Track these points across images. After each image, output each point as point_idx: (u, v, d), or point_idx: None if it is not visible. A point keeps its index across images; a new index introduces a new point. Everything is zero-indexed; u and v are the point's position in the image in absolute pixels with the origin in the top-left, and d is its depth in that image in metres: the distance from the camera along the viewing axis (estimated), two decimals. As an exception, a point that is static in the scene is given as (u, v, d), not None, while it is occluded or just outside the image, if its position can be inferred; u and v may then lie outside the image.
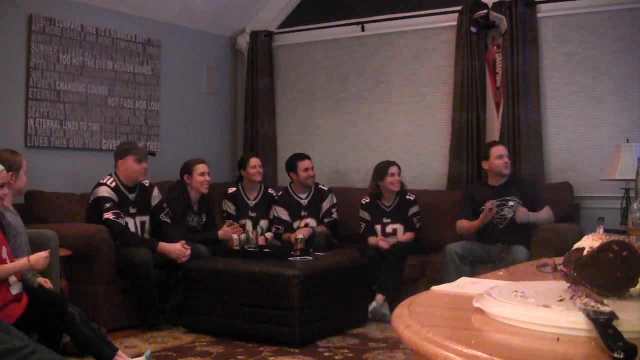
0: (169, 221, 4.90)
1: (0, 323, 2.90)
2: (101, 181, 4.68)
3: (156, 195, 4.92)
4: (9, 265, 3.18)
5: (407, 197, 5.32)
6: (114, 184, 4.68)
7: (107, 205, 4.57)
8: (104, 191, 4.61)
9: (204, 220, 5.27)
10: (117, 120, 5.72)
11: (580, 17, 5.32)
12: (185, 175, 5.20)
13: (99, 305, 4.39)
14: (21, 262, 3.22)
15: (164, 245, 4.61)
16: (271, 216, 5.61)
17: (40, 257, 3.24)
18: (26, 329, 3.13)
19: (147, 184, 4.90)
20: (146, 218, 4.85)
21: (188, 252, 4.60)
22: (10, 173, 3.56)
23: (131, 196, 4.77)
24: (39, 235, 3.87)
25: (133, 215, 4.76)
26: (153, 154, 5.06)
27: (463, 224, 4.97)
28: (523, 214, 4.74)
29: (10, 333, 2.87)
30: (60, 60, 5.25)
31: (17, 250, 3.40)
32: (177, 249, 4.59)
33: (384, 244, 5.06)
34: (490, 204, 4.75)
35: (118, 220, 4.56)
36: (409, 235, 5.26)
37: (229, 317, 4.27)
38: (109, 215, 4.55)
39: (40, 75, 5.12)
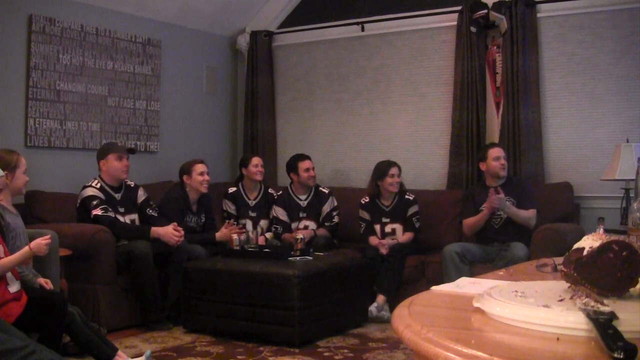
0: (155, 215, 4.92)
1: (1, 323, 2.90)
2: (86, 184, 4.72)
3: (142, 194, 4.97)
4: (12, 257, 3.19)
5: (407, 197, 5.32)
6: (99, 185, 4.72)
7: (94, 202, 4.60)
8: (89, 191, 4.66)
9: (202, 220, 5.27)
10: (117, 120, 5.72)
11: (580, 17, 5.32)
12: (184, 176, 5.20)
13: (99, 305, 4.38)
14: (22, 251, 3.22)
15: (156, 230, 4.63)
16: (271, 216, 5.62)
17: (41, 244, 3.24)
18: (26, 328, 3.13)
19: (132, 185, 4.94)
20: (135, 216, 4.88)
21: (180, 234, 4.60)
22: (6, 172, 3.54)
23: (117, 195, 4.81)
24: (39, 235, 3.84)
25: (122, 215, 4.77)
26: (133, 151, 5.04)
27: (469, 220, 4.94)
28: (498, 199, 4.69)
29: (10, 333, 2.87)
30: (60, 60, 5.25)
31: (16, 252, 3.39)
32: (169, 231, 4.59)
33: (383, 250, 5.06)
34: (496, 195, 4.73)
35: (107, 214, 4.59)
36: (408, 235, 5.26)
37: (229, 317, 4.27)
38: (97, 211, 4.57)
39: (40, 75, 5.12)
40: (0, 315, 3.04)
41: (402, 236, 5.26)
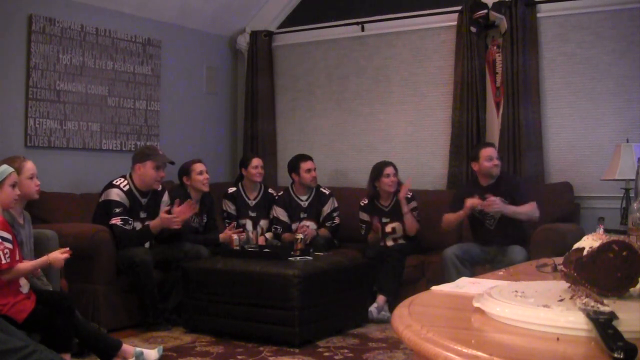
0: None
1: (0, 323, 2.91)
2: (114, 182, 4.62)
3: (165, 201, 4.85)
4: (29, 263, 3.25)
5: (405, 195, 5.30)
6: (127, 187, 4.62)
7: (117, 210, 4.51)
8: (115, 194, 4.55)
9: (205, 221, 5.26)
10: (117, 120, 5.72)
11: (580, 17, 5.32)
12: (184, 177, 5.19)
13: (99, 305, 4.38)
14: (41, 260, 3.28)
15: (154, 223, 4.57)
16: (271, 216, 5.61)
17: (59, 258, 3.28)
18: (36, 325, 3.18)
19: (159, 189, 4.83)
20: None
21: (174, 215, 4.52)
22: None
23: (143, 201, 4.72)
24: (39, 235, 3.86)
25: (143, 220, 4.70)
26: (172, 162, 4.91)
27: (449, 217, 4.90)
28: (496, 205, 4.62)
29: (10, 333, 2.88)
30: (60, 60, 5.25)
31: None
32: (164, 217, 4.51)
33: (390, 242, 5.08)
34: (481, 201, 4.70)
35: (125, 227, 4.52)
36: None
37: (229, 317, 4.27)
38: (116, 220, 4.50)
39: (40, 75, 5.12)
40: (14, 312, 3.11)
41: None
